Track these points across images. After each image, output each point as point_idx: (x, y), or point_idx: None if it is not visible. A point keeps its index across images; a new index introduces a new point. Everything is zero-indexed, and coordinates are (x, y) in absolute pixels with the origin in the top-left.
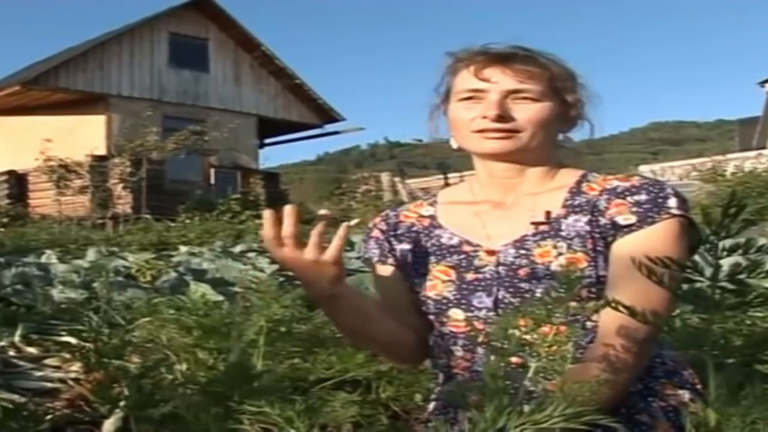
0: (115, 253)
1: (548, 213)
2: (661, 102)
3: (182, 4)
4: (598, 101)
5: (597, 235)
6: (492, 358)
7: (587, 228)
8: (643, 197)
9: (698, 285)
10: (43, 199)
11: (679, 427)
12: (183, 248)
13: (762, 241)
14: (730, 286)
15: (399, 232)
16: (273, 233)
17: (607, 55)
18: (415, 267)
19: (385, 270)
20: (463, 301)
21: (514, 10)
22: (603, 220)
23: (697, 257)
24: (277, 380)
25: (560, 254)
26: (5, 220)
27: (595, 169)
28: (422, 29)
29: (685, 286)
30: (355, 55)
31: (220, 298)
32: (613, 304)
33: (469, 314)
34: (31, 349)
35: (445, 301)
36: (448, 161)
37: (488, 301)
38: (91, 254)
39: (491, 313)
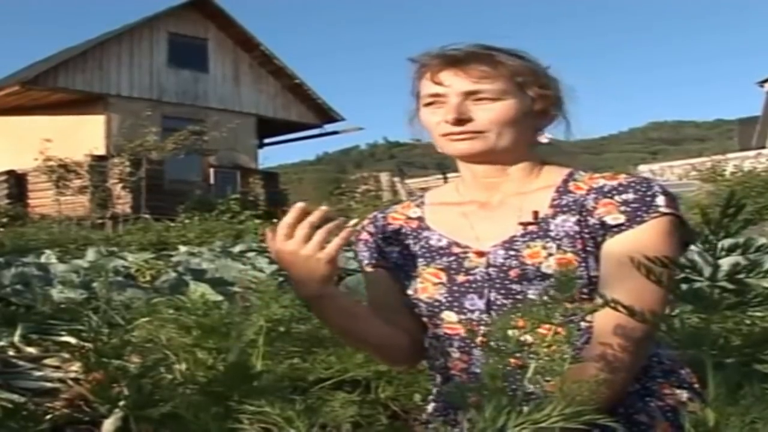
0: (115, 253)
1: (536, 213)
2: (661, 102)
3: (181, 4)
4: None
5: (586, 236)
6: (491, 358)
7: (576, 228)
8: (630, 196)
9: (697, 284)
10: (42, 199)
11: (678, 427)
12: (182, 248)
13: (761, 240)
14: (729, 286)
15: (388, 234)
16: (290, 223)
17: (607, 54)
18: (405, 269)
19: (376, 273)
20: (455, 304)
21: (516, 9)
22: (592, 220)
23: (696, 256)
24: (276, 380)
25: (550, 255)
26: (5, 220)
27: (591, 168)
28: (423, 28)
29: (683, 286)
30: (354, 54)
31: (220, 298)
32: (612, 304)
33: (462, 316)
34: (31, 349)
35: (437, 303)
36: (447, 161)
37: (480, 303)
38: (91, 254)
39: (484, 315)
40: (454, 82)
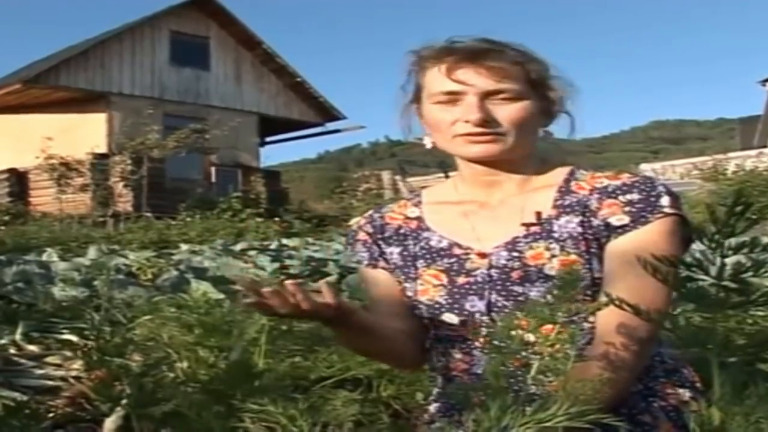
0: (116, 252)
1: (539, 214)
2: (662, 100)
3: (183, 3)
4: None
5: (590, 237)
6: (494, 358)
7: (579, 229)
8: (635, 196)
9: (702, 283)
10: (44, 197)
11: (681, 427)
12: (184, 246)
13: (765, 239)
14: (733, 285)
15: (386, 234)
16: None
17: (608, 53)
18: (405, 271)
19: (376, 274)
20: (456, 306)
21: (517, 7)
22: (595, 221)
23: (699, 255)
24: (278, 379)
25: (553, 256)
26: (6, 218)
27: (593, 166)
28: (423, 27)
29: (688, 285)
30: (355, 53)
31: (221, 296)
32: (617, 302)
33: (463, 318)
34: (32, 347)
35: (437, 306)
36: (448, 160)
37: (481, 305)
38: (92, 252)
39: (484, 317)
40: (477, 81)
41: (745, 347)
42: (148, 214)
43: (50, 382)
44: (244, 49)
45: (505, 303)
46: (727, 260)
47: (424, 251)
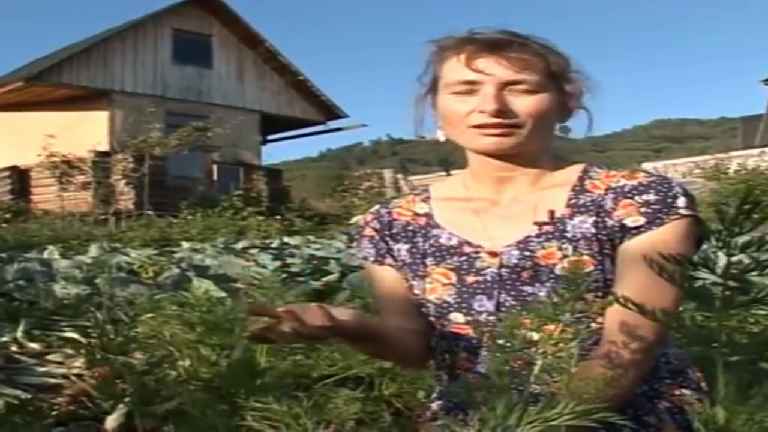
0: (118, 249)
1: (552, 212)
2: (664, 99)
3: (186, 1)
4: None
5: (603, 237)
6: (498, 356)
7: (593, 230)
8: (652, 197)
9: (705, 282)
10: (45, 195)
11: (686, 428)
12: (185, 244)
13: None
14: (735, 284)
15: (394, 231)
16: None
17: (610, 52)
18: (413, 268)
19: (383, 271)
20: (464, 305)
21: (518, 7)
22: (610, 222)
23: (701, 254)
24: (280, 377)
25: (566, 257)
26: (8, 215)
27: (596, 163)
28: (424, 27)
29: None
30: (358, 51)
31: (223, 294)
32: (623, 301)
33: (470, 318)
34: (34, 345)
35: (445, 305)
36: (450, 158)
37: (489, 305)
38: (94, 250)
39: (492, 317)
40: (496, 70)
41: (749, 346)
42: (150, 212)
43: (52, 380)
44: (246, 48)
45: (514, 303)
46: (731, 259)
47: (433, 249)
